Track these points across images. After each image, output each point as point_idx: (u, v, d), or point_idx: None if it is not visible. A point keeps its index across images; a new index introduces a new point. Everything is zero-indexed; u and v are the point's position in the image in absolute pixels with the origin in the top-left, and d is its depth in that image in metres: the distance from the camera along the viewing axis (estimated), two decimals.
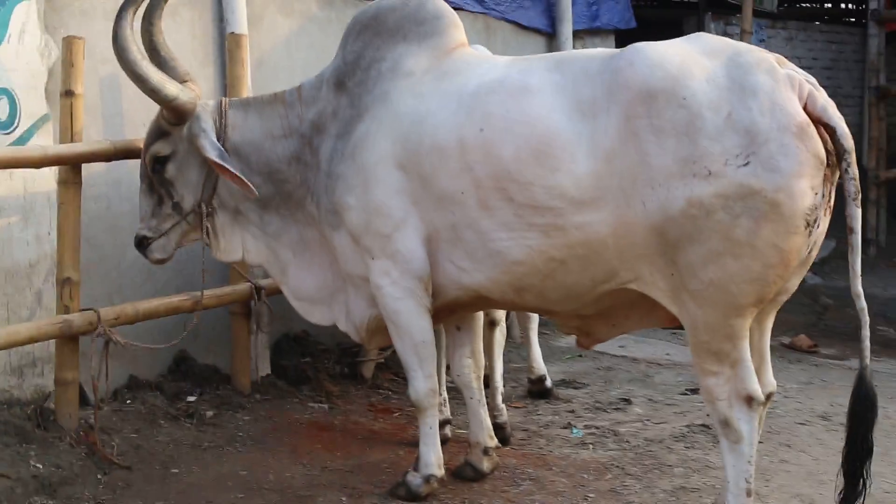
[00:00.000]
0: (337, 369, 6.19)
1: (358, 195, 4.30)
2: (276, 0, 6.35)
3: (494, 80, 4.15)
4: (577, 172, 3.85)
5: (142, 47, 4.48)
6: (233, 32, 5.69)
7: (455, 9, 4.42)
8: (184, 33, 5.82)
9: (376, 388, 6.13)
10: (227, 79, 5.66)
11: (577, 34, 8.34)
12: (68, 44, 4.76)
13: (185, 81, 4.60)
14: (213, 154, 4.38)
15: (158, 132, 4.58)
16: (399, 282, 4.30)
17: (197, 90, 4.64)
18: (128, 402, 5.38)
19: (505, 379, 5.63)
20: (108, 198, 5.46)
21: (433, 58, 4.37)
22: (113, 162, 5.07)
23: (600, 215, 3.85)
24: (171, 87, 4.41)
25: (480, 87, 4.14)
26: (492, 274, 4.15)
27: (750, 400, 3.81)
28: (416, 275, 4.28)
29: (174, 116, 4.50)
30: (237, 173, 4.35)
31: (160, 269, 5.31)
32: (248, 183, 4.36)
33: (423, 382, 4.43)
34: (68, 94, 4.77)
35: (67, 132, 4.77)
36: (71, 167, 4.78)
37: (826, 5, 15.14)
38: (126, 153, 4.92)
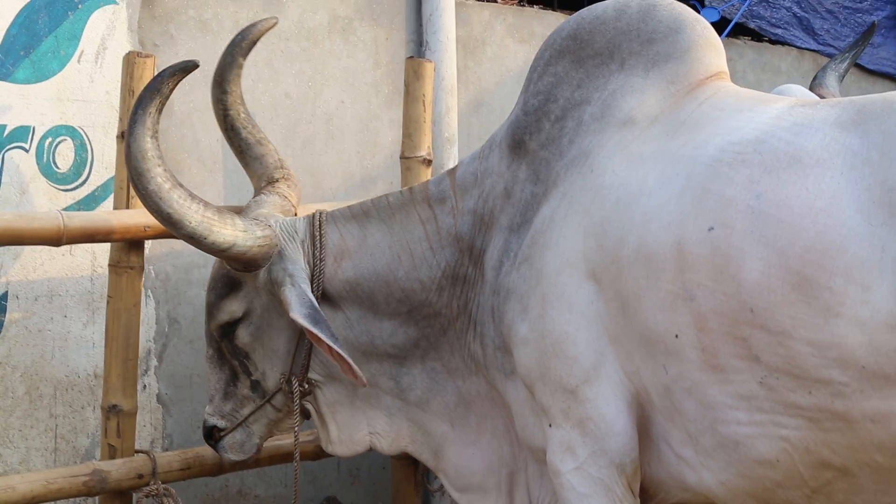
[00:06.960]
0: None
1: (532, 321, 2.72)
2: (507, 18, 4.70)
3: (747, 140, 2.50)
4: (875, 320, 2.25)
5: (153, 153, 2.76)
6: (412, 57, 4.01)
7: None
8: (360, 59, 4.25)
9: None
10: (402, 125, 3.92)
11: None
12: (130, 63, 3.21)
13: (275, 181, 3.16)
14: (298, 313, 2.78)
15: (226, 282, 3.03)
16: (587, 467, 2.69)
17: (293, 194, 3.18)
18: None
19: None
20: None
21: (667, 97, 2.79)
22: None
23: None
24: (222, 230, 2.79)
25: (723, 153, 2.52)
26: (725, 476, 2.54)
27: None
28: (613, 459, 2.66)
29: (239, 265, 2.93)
30: (336, 347, 2.74)
31: None
32: (352, 364, 2.76)
33: None
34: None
35: (122, 192, 3.22)
36: (125, 245, 3.21)
37: None
38: None
